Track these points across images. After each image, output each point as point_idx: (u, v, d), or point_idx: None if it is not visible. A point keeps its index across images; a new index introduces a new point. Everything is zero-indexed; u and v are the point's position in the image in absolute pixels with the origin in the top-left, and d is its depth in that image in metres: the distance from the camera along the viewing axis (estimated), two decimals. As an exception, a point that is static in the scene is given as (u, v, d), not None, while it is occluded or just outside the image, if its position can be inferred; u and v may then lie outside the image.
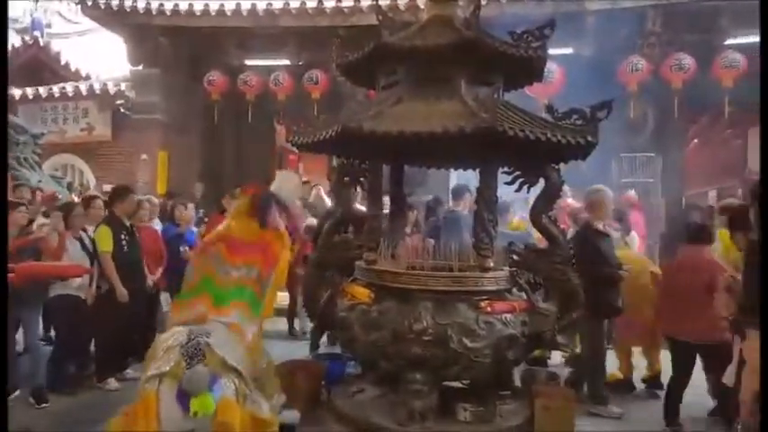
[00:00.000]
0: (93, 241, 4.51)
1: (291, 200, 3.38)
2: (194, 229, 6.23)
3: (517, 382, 3.79)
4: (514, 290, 3.38)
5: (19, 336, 4.33)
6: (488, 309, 3.18)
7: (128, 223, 4.67)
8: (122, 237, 4.53)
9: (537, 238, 3.90)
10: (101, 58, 11.79)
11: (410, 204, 5.50)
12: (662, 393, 4.48)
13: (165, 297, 5.29)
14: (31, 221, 4.61)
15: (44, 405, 3.98)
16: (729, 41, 7.83)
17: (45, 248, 4.14)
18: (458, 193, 6.00)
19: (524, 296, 3.34)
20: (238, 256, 2.98)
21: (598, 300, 4.02)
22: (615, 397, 4.57)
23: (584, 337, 4.48)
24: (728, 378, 3.28)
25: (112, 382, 4.47)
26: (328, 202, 6.80)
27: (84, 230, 4.57)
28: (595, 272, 4.03)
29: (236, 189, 4.77)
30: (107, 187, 7.63)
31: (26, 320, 4.12)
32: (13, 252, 3.76)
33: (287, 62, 9.39)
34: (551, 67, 7.20)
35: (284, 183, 3.40)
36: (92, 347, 5.11)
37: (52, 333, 4.92)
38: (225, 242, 3.05)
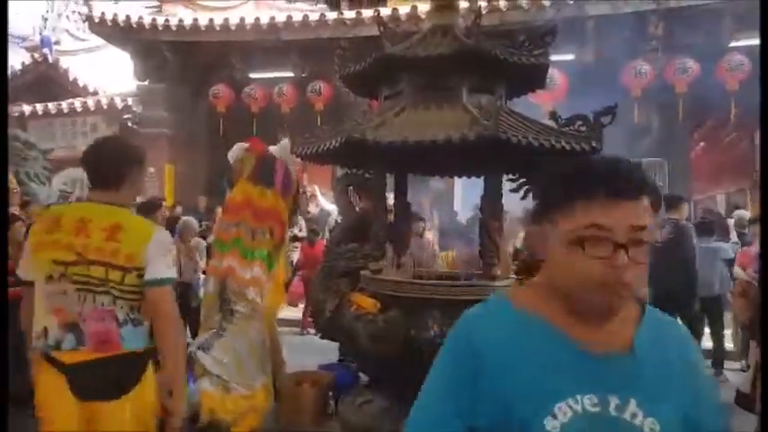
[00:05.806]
0: None
1: (290, 162, 4.00)
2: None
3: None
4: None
5: None
6: (496, 317, 3.16)
7: None
8: None
9: None
10: (108, 73, 11.94)
11: (417, 214, 5.47)
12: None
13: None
14: None
15: None
16: (734, 44, 7.79)
17: None
18: None
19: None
20: (260, 221, 3.84)
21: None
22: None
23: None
24: (744, 385, 3.16)
25: None
26: (324, 202, 6.80)
27: None
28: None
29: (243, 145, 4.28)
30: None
31: None
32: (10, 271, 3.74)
33: (290, 74, 9.46)
34: (554, 73, 7.19)
35: (282, 149, 4.00)
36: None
37: None
38: (251, 210, 3.83)
